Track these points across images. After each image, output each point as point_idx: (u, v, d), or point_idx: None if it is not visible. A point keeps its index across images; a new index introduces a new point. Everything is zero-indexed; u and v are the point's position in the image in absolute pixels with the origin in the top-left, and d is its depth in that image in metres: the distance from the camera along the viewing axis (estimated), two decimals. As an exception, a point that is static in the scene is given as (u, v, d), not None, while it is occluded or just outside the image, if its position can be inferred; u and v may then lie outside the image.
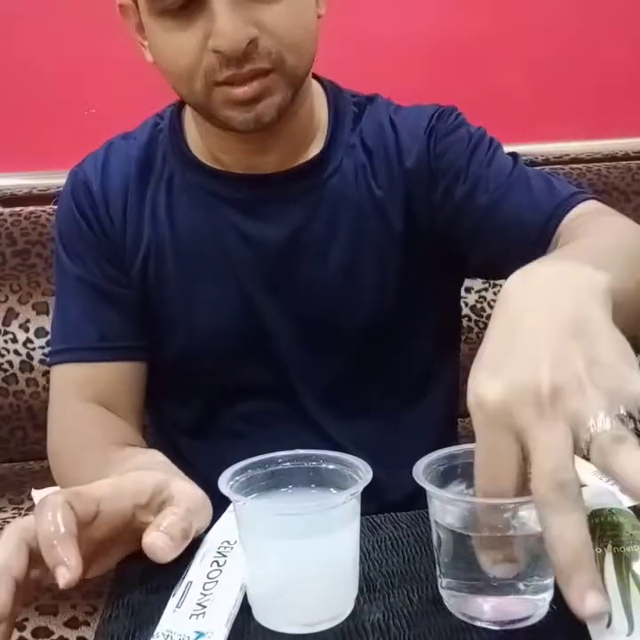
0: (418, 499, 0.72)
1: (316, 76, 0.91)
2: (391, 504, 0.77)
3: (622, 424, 0.43)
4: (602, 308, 0.50)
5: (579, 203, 0.80)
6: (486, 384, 0.47)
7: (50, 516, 0.54)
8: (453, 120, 0.88)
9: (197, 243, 0.88)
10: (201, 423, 0.95)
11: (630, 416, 0.44)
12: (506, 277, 0.82)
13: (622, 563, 0.51)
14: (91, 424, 0.85)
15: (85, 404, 0.87)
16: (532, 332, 0.48)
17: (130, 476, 0.65)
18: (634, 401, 0.44)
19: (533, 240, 0.79)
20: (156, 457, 0.70)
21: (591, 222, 0.76)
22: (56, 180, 0.96)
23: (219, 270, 0.88)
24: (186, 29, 0.74)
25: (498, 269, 0.83)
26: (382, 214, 0.87)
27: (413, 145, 0.87)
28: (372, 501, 0.64)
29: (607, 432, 0.43)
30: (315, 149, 0.88)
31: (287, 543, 0.52)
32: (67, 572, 0.51)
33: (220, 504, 0.62)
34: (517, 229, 0.80)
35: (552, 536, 0.43)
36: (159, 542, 0.59)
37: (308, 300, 0.88)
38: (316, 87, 0.90)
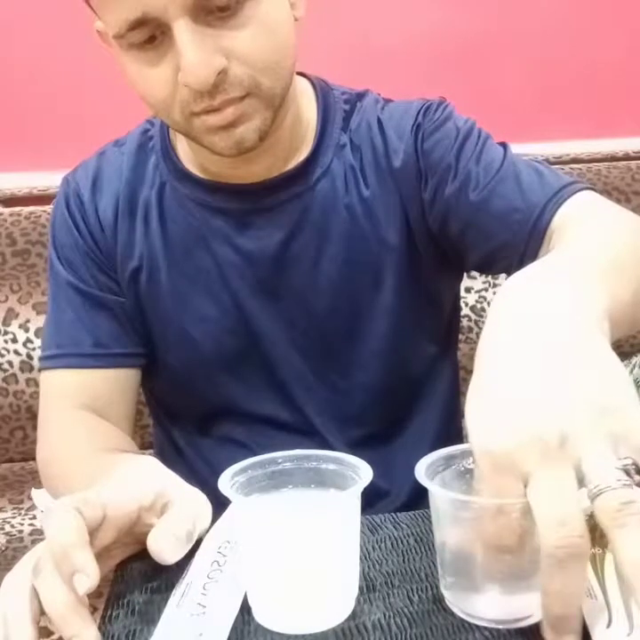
0: (417, 504, 0.72)
1: (303, 74, 0.89)
2: (390, 511, 0.76)
3: (627, 476, 0.43)
4: (600, 336, 0.50)
5: (571, 194, 0.78)
6: (492, 434, 0.47)
7: (61, 525, 0.53)
8: (440, 114, 0.86)
9: (189, 253, 0.87)
10: (201, 428, 0.95)
11: (636, 467, 0.44)
12: (503, 272, 0.82)
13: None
14: (83, 432, 0.85)
15: (77, 411, 0.87)
16: (533, 372, 0.48)
17: (132, 479, 0.65)
18: None
19: (526, 235, 0.78)
20: (152, 462, 0.70)
21: (584, 222, 0.74)
22: (56, 180, 0.96)
23: (211, 280, 0.87)
24: (156, 64, 0.72)
25: (495, 265, 0.83)
26: (373, 216, 0.86)
27: (400, 144, 0.85)
28: (370, 508, 0.64)
29: (611, 490, 0.43)
30: (304, 152, 0.86)
31: (287, 543, 0.52)
32: (85, 579, 0.51)
33: (219, 504, 0.62)
34: (509, 225, 0.79)
35: (550, 589, 0.44)
36: (166, 545, 0.59)
37: (301, 306, 0.87)
38: (304, 86, 0.88)
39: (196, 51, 0.69)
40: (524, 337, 0.50)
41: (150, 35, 0.70)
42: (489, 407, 0.48)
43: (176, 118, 0.76)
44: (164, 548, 0.59)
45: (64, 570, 0.52)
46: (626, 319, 0.58)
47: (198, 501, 0.64)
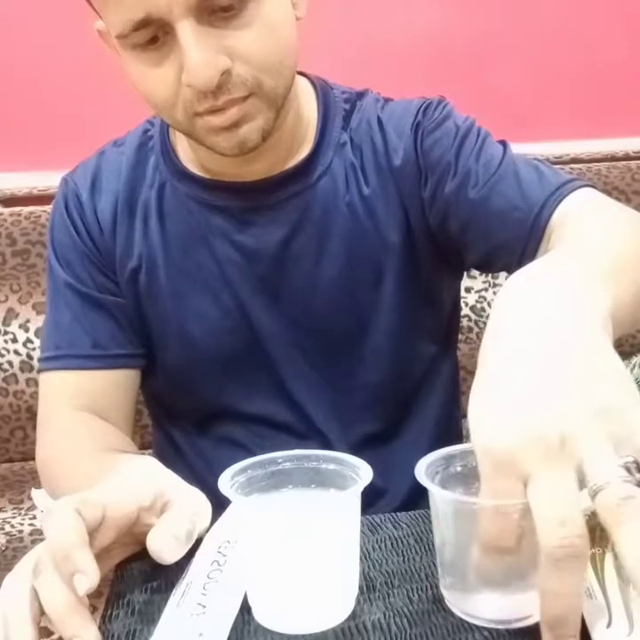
0: (416, 504, 0.72)
1: (304, 74, 0.89)
2: (389, 511, 0.76)
3: (629, 474, 0.43)
4: (603, 336, 0.50)
5: (571, 192, 0.78)
6: (494, 434, 0.46)
7: (60, 525, 0.53)
8: (440, 113, 0.86)
9: (189, 252, 0.87)
10: (200, 428, 0.95)
11: (637, 465, 0.44)
12: (503, 270, 0.82)
13: (622, 562, 0.51)
14: (82, 433, 0.85)
15: (77, 412, 0.87)
16: (536, 372, 0.48)
17: (132, 479, 0.65)
18: None
19: (526, 232, 0.78)
20: (152, 462, 0.70)
21: (584, 219, 0.73)
22: (56, 180, 0.96)
23: (211, 279, 0.87)
24: (159, 65, 0.72)
25: (495, 263, 0.83)
26: (374, 214, 0.86)
27: (400, 142, 0.85)
28: (370, 507, 0.64)
29: (612, 486, 0.43)
30: (305, 150, 0.86)
31: (287, 543, 0.52)
32: (85, 579, 0.51)
33: (219, 504, 0.62)
34: (508, 223, 0.79)
35: (547, 589, 0.44)
36: (165, 544, 0.59)
37: (302, 305, 0.87)
38: (304, 85, 0.88)
39: (200, 51, 0.69)
40: (526, 337, 0.50)
41: (153, 35, 0.70)
42: (491, 407, 0.48)
43: (179, 118, 0.76)
44: (164, 548, 0.59)
45: (63, 570, 0.52)
46: (627, 319, 0.58)
47: (198, 501, 0.64)
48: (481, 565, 0.50)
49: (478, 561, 0.49)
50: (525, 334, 0.50)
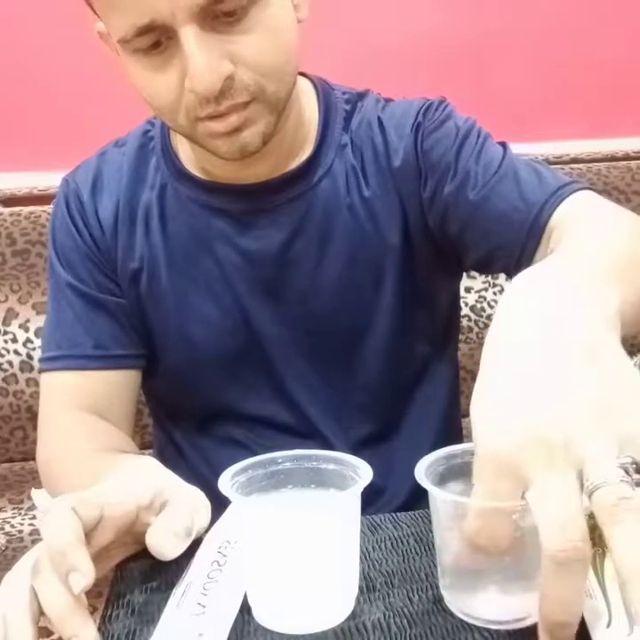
0: (416, 504, 0.72)
1: (304, 74, 0.89)
2: (389, 511, 0.76)
3: (626, 474, 0.43)
4: (610, 334, 0.49)
5: (570, 194, 0.78)
6: (497, 436, 0.46)
7: (57, 524, 0.53)
8: (440, 114, 0.86)
9: (190, 254, 0.87)
10: (201, 429, 0.95)
11: (636, 466, 0.43)
12: (502, 271, 0.82)
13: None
14: (83, 433, 0.85)
15: (77, 412, 0.87)
16: (541, 370, 0.47)
17: (130, 478, 0.65)
18: None
19: (525, 234, 0.78)
20: (151, 462, 0.70)
21: (584, 221, 0.73)
22: (56, 180, 0.96)
23: (212, 281, 0.87)
24: (162, 70, 0.72)
25: (494, 264, 0.83)
26: (374, 216, 0.86)
27: (400, 143, 0.85)
28: (369, 507, 0.64)
29: (609, 485, 0.42)
30: (306, 152, 0.86)
31: (287, 543, 0.52)
32: (80, 578, 0.51)
33: (219, 504, 0.62)
34: (508, 224, 0.79)
35: (550, 593, 0.43)
36: (164, 540, 0.59)
37: (303, 306, 0.87)
38: (305, 86, 0.88)
39: (203, 57, 0.69)
40: (530, 338, 0.49)
41: (156, 40, 0.70)
42: (495, 408, 0.47)
43: (180, 122, 0.76)
44: (163, 543, 0.59)
45: (61, 570, 0.52)
46: (633, 320, 0.58)
47: (197, 499, 0.65)
48: (481, 565, 0.50)
49: (479, 561, 0.49)
50: (529, 335, 0.49)
